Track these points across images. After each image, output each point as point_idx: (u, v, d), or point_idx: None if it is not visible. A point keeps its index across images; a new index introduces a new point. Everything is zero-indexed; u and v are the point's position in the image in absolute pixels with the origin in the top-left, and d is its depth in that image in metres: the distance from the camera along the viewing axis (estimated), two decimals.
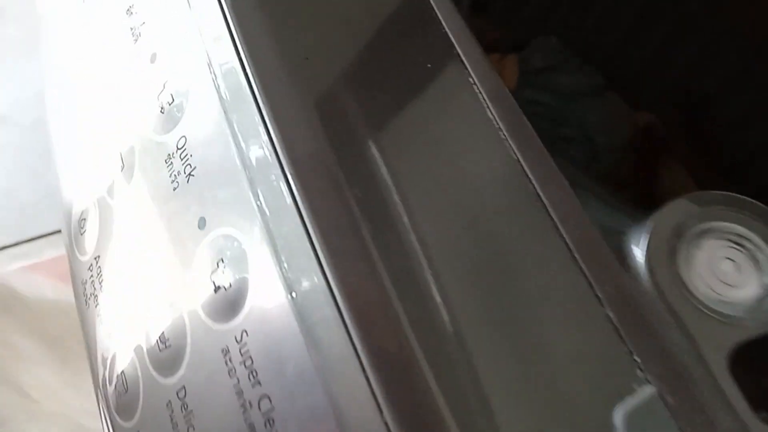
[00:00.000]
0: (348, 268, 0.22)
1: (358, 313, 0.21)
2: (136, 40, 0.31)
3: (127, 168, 0.30)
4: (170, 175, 0.27)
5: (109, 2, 0.34)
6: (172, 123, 0.27)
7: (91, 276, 0.32)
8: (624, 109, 0.99)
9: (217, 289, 0.25)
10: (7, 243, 1.16)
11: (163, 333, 0.27)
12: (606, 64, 0.99)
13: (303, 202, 0.22)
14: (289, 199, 0.22)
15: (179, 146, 0.27)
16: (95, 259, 0.32)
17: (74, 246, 0.34)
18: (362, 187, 0.24)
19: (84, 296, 0.34)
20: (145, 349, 0.28)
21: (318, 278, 0.21)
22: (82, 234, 0.33)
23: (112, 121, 0.32)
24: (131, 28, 0.32)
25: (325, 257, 0.22)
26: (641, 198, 0.98)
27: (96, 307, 0.31)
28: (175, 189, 0.27)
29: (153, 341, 0.27)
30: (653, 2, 0.88)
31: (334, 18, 0.29)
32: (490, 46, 1.03)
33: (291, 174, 0.23)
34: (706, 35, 0.86)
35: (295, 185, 0.23)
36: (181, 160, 0.27)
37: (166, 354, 0.26)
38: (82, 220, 0.33)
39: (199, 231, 0.25)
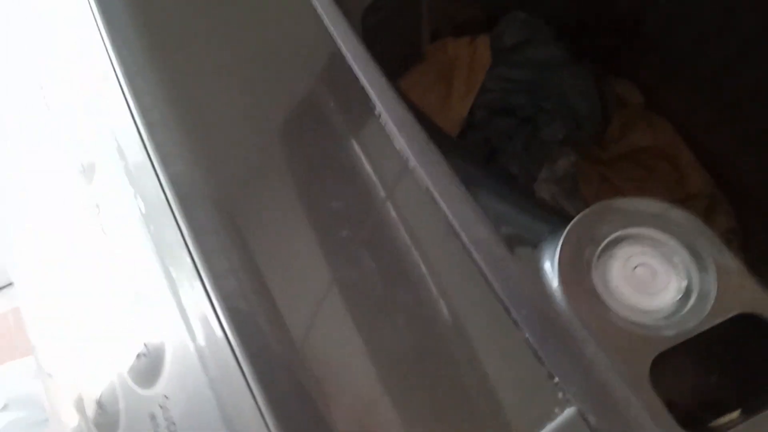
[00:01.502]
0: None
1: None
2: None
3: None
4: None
5: None
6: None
7: None
8: (601, 75, 0.98)
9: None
10: None
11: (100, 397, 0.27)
12: (577, 33, 0.97)
13: None
14: None
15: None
16: None
17: None
18: None
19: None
20: (88, 413, 0.29)
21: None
22: None
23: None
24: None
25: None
26: (626, 161, 0.97)
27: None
28: None
29: (92, 406, 0.28)
30: None
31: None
32: (461, 27, 1.01)
33: None
34: None
35: None
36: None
37: (104, 419, 0.27)
38: None
39: None
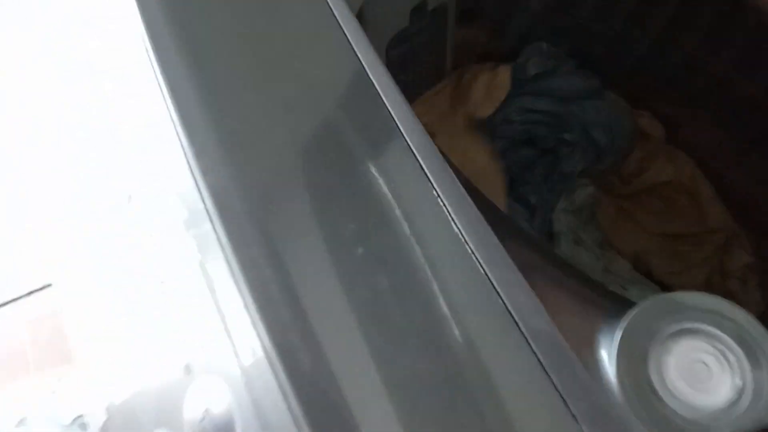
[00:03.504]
0: None
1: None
2: None
3: None
4: None
5: None
6: None
7: None
8: (624, 107, 0.98)
9: None
10: None
11: None
12: (601, 65, 0.98)
13: None
14: None
15: None
16: None
17: None
18: None
19: None
20: None
21: None
22: None
23: None
24: None
25: None
26: (645, 194, 0.97)
27: None
28: None
29: None
30: (645, 0, 0.87)
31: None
32: (484, 58, 1.02)
33: None
34: (701, 28, 0.85)
35: None
36: None
37: None
38: None
39: None
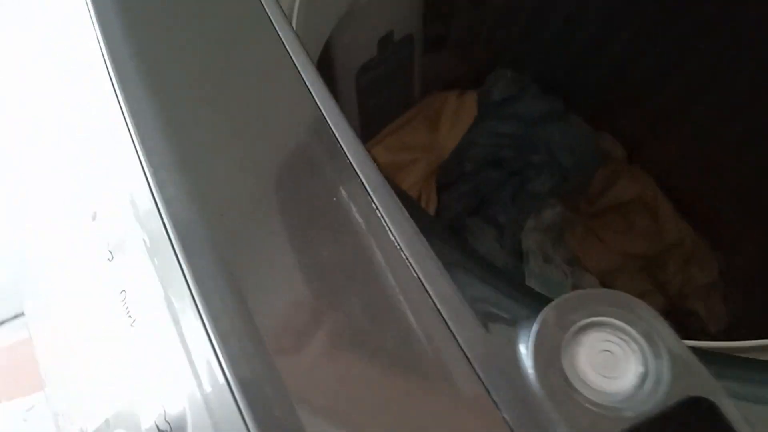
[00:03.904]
0: None
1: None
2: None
3: None
4: None
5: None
6: None
7: None
8: (586, 129, 1.02)
9: None
10: None
11: None
12: (563, 89, 1.02)
13: None
14: None
15: None
16: None
17: None
18: None
19: None
20: None
21: None
22: None
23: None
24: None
25: None
26: (611, 213, 1.01)
27: None
28: None
29: None
30: (604, 27, 0.91)
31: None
32: (451, 84, 1.06)
33: None
34: (658, 52, 0.89)
35: None
36: None
37: None
38: None
39: None
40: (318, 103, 0.34)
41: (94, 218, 0.35)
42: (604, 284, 0.97)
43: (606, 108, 0.99)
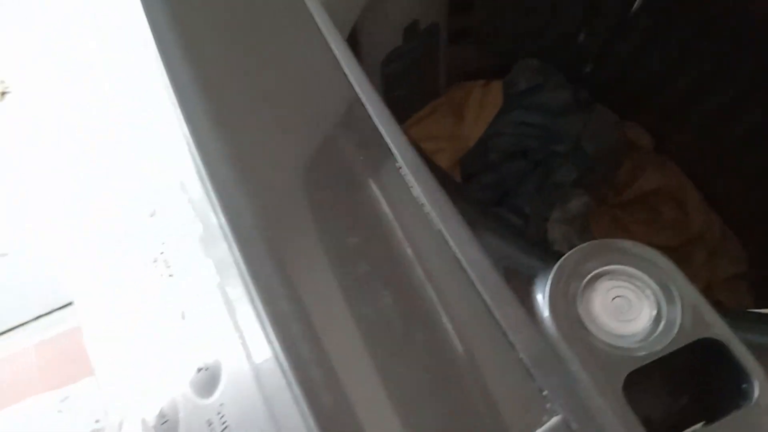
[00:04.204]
0: None
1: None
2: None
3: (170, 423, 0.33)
4: None
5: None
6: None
7: None
8: (612, 119, 1.02)
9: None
10: None
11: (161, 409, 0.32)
12: (588, 78, 1.02)
13: None
14: None
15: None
16: None
17: None
18: None
19: None
20: (150, 423, 0.33)
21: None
22: None
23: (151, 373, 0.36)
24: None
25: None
26: (637, 203, 1.01)
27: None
28: None
29: (154, 416, 0.32)
30: (628, 16, 0.92)
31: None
32: (475, 74, 1.07)
33: None
34: (680, 39, 0.89)
35: None
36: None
37: (166, 426, 0.31)
38: None
39: None
40: (358, 91, 0.35)
41: (152, 215, 0.37)
42: None
43: (632, 97, 0.99)
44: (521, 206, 1.03)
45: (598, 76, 1.01)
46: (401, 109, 1.02)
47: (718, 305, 0.28)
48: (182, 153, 0.32)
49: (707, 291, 0.93)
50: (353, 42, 0.83)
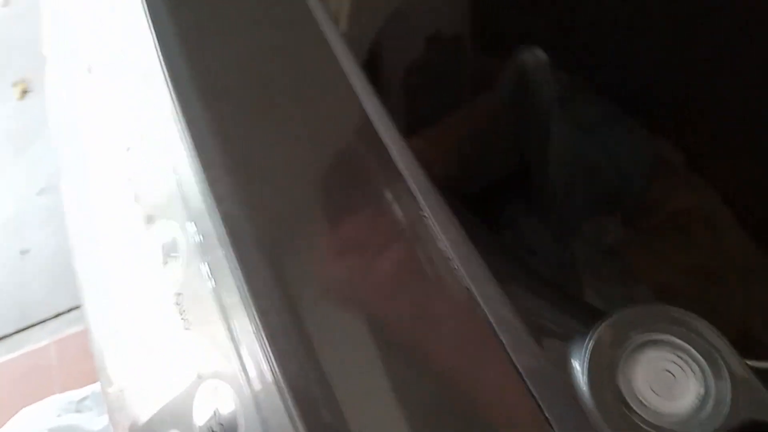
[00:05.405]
0: None
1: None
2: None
3: None
4: None
5: None
6: None
7: None
8: (643, 134, 0.99)
9: None
10: None
11: None
12: (619, 92, 0.99)
13: None
14: None
15: None
16: None
17: None
18: None
19: None
20: None
21: None
22: None
23: None
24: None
25: None
26: (668, 222, 0.97)
27: None
28: None
29: None
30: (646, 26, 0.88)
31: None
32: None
33: None
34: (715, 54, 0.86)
35: None
36: None
37: None
38: None
39: None
40: (365, 107, 0.34)
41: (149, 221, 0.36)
42: (659, 298, 0.93)
43: (664, 113, 0.96)
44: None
45: (628, 90, 0.98)
46: (424, 120, 0.99)
47: (759, 345, 0.25)
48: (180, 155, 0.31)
49: (742, 317, 0.90)
50: (375, 52, 0.81)
